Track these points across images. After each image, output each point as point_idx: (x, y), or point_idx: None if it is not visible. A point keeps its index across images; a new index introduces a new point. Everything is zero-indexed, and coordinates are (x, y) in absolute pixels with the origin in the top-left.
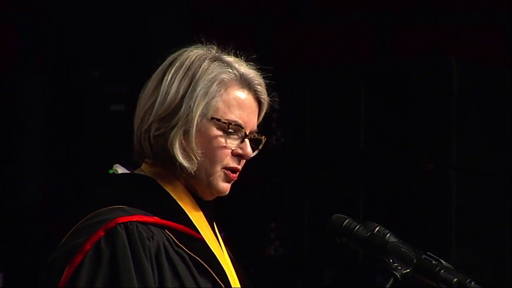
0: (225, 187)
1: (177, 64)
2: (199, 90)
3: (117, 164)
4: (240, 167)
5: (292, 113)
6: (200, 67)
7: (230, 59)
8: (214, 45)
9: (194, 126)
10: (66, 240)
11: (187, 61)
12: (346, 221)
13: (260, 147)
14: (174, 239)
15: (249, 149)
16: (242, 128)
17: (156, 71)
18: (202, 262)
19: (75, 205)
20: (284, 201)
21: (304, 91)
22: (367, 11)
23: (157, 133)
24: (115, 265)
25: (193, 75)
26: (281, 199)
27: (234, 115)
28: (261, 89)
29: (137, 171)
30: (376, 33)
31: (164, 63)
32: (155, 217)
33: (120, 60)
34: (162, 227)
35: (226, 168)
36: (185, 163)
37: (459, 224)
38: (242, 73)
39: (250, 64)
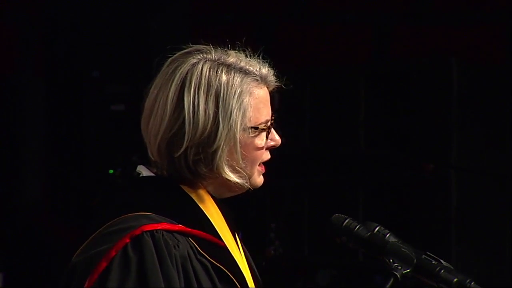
0: (261, 181)
1: (193, 84)
2: (233, 108)
3: (141, 166)
4: (269, 156)
5: (292, 113)
6: (220, 84)
7: (233, 59)
8: (210, 45)
9: (238, 143)
10: (88, 245)
11: (203, 78)
12: (346, 221)
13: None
14: (198, 247)
15: (277, 136)
16: (271, 122)
17: (168, 88)
18: (226, 271)
19: (75, 205)
20: (284, 201)
21: (304, 91)
22: (367, 11)
23: (196, 158)
24: (144, 272)
25: (217, 93)
26: (281, 199)
27: (263, 116)
28: (274, 78)
29: (159, 173)
30: (376, 33)
31: (174, 82)
32: (180, 225)
33: (120, 60)
34: (186, 235)
35: (261, 163)
36: (238, 180)
37: (459, 224)
38: (261, 74)
39: (248, 56)
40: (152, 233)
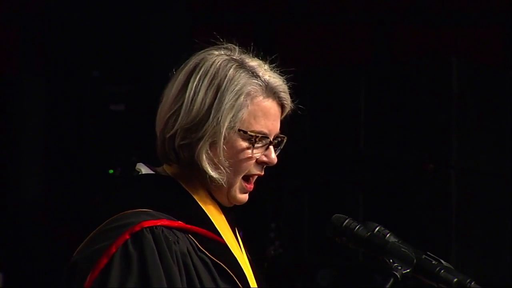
0: (243, 198)
1: (202, 71)
2: (226, 103)
3: (140, 163)
4: (262, 173)
5: (292, 113)
6: (226, 77)
7: (253, 64)
8: (236, 45)
9: (222, 139)
10: (88, 243)
11: (212, 68)
12: (346, 221)
13: (282, 146)
14: (197, 244)
15: (273, 155)
16: (268, 137)
17: (180, 73)
18: (225, 267)
19: (75, 205)
20: (284, 201)
21: (304, 91)
22: (367, 11)
23: (182, 143)
24: (145, 268)
25: (219, 85)
26: (281, 199)
27: (259, 125)
28: (286, 96)
29: (159, 171)
30: (376, 33)
31: (187, 66)
32: (179, 222)
33: (120, 60)
34: (186, 231)
35: (246, 176)
36: (214, 174)
37: (459, 224)
38: (268, 82)
39: (274, 68)
40: (151, 229)
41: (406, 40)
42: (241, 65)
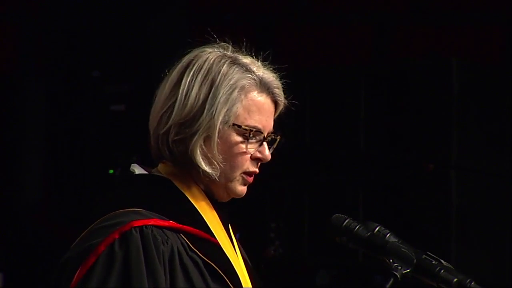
0: (243, 190)
1: (195, 67)
2: (221, 97)
3: (134, 164)
4: (257, 170)
5: (292, 113)
6: (219, 72)
7: (246, 60)
8: (229, 44)
9: (216, 133)
10: (79, 241)
11: (206, 64)
12: (346, 221)
13: (275, 145)
14: (189, 243)
15: (267, 152)
16: (262, 133)
17: (173, 72)
18: (215, 267)
19: (75, 205)
20: (284, 201)
21: (304, 91)
22: (367, 11)
23: (176, 138)
24: (128, 268)
25: (213, 80)
26: (281, 199)
27: (253, 120)
28: (279, 92)
29: (153, 171)
30: (376, 33)
31: (181, 64)
32: (170, 221)
33: (120, 60)
34: (177, 231)
35: (245, 173)
36: (208, 169)
37: (459, 224)
38: (262, 78)
39: (267, 65)
40: (141, 228)
41: (406, 40)
42: (235, 61)
